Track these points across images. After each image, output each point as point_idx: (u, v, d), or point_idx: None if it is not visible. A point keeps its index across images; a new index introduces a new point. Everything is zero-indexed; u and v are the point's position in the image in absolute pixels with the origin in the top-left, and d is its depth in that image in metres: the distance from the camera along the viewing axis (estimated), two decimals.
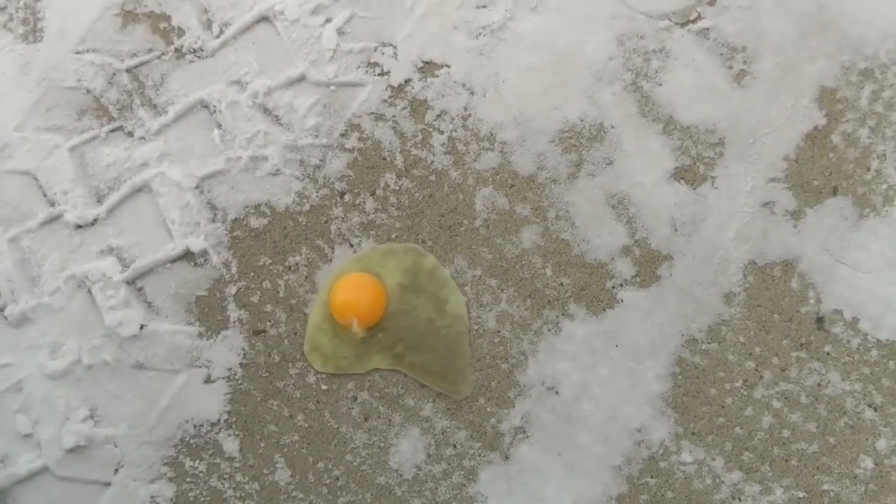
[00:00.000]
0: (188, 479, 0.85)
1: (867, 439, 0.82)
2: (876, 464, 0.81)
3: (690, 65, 0.91)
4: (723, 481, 0.82)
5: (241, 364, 0.87)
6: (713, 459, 0.82)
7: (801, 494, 0.81)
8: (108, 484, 0.86)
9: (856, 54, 0.91)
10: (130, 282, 0.90)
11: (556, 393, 0.84)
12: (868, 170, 0.89)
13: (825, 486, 0.81)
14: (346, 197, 0.90)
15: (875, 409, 0.83)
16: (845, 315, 0.85)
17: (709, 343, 0.85)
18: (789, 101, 0.90)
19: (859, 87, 0.91)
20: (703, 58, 0.91)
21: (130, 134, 0.94)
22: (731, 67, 0.91)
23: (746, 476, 0.82)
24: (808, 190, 0.88)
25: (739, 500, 0.81)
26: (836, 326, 0.85)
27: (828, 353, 0.84)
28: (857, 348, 0.84)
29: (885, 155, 0.89)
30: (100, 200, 0.93)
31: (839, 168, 0.89)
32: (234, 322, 0.88)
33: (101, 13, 0.96)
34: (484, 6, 0.93)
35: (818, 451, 0.82)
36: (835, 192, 0.88)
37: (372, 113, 0.92)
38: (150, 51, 0.95)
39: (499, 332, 0.86)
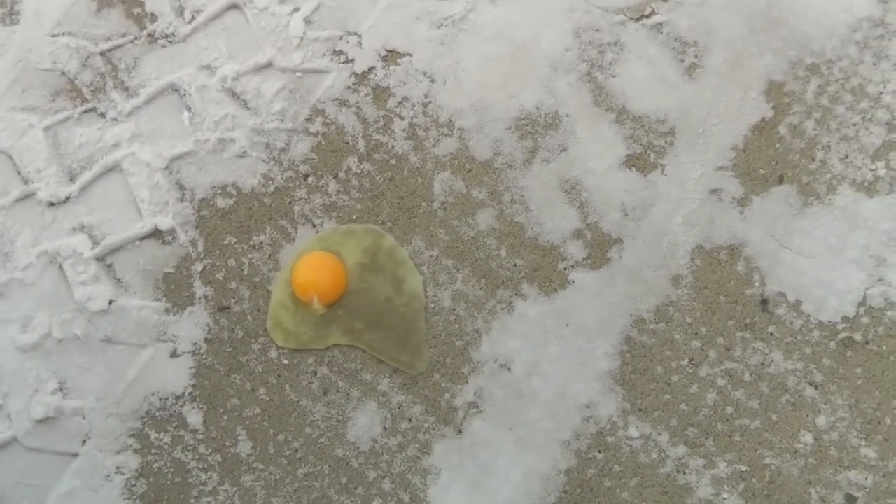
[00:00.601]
0: (153, 451, 0.88)
1: (808, 416, 0.85)
2: (815, 439, 0.85)
3: (644, 57, 0.95)
4: (668, 455, 0.85)
5: (205, 339, 0.90)
6: (659, 434, 0.85)
7: (743, 468, 0.84)
8: (75, 455, 0.88)
9: (803, 50, 0.95)
10: (100, 258, 0.93)
11: (509, 370, 0.87)
12: (813, 160, 0.92)
13: (767, 460, 0.84)
14: (310, 179, 0.93)
15: (815, 388, 0.86)
16: (788, 297, 0.89)
17: (656, 323, 0.88)
18: (738, 93, 0.94)
19: (806, 82, 0.94)
20: (655, 51, 0.95)
21: (103, 115, 0.97)
22: (682, 61, 0.95)
23: (691, 450, 0.85)
24: (754, 178, 0.92)
25: (684, 473, 0.85)
26: (779, 308, 0.88)
27: (771, 334, 0.88)
28: (800, 329, 0.88)
29: (829, 146, 0.92)
30: (72, 179, 0.95)
31: (785, 158, 0.92)
32: (199, 298, 0.91)
33: None
34: None
35: (760, 426, 0.85)
36: (780, 180, 0.92)
37: (336, 99, 0.95)
38: (124, 35, 0.98)
39: (454, 310, 0.89)
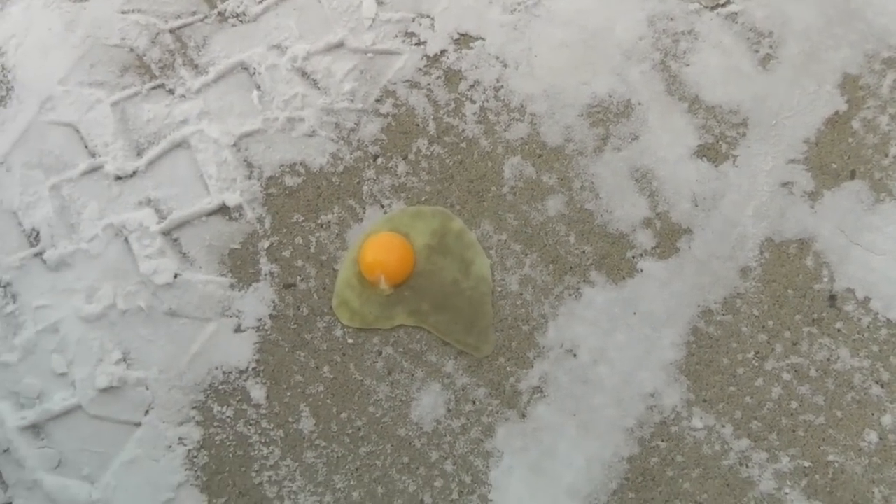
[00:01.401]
0: (216, 424, 0.89)
1: (873, 414, 0.85)
2: (881, 438, 0.84)
3: (718, 47, 0.94)
4: (731, 448, 0.85)
5: (270, 315, 0.90)
6: (723, 426, 0.85)
7: (806, 464, 0.84)
8: (138, 424, 0.89)
9: (880, 43, 0.94)
10: (166, 232, 0.93)
11: (574, 356, 0.87)
12: (886, 156, 0.91)
13: (830, 457, 0.84)
14: (379, 160, 0.93)
15: (882, 386, 0.85)
16: (857, 294, 0.88)
17: (723, 315, 0.88)
18: (812, 86, 0.93)
19: (882, 76, 0.93)
20: (730, 41, 0.94)
21: (171, 92, 0.97)
22: (757, 51, 0.94)
23: (754, 444, 0.85)
24: (826, 172, 0.91)
25: (747, 466, 0.84)
26: (847, 304, 0.87)
27: (838, 330, 0.87)
28: (868, 327, 0.87)
29: None
30: (139, 154, 0.96)
31: (858, 153, 0.91)
32: (265, 275, 0.91)
33: None
34: None
35: (825, 423, 0.85)
36: (852, 175, 0.91)
37: (407, 80, 0.95)
38: (194, 13, 0.99)
39: (521, 295, 0.89)
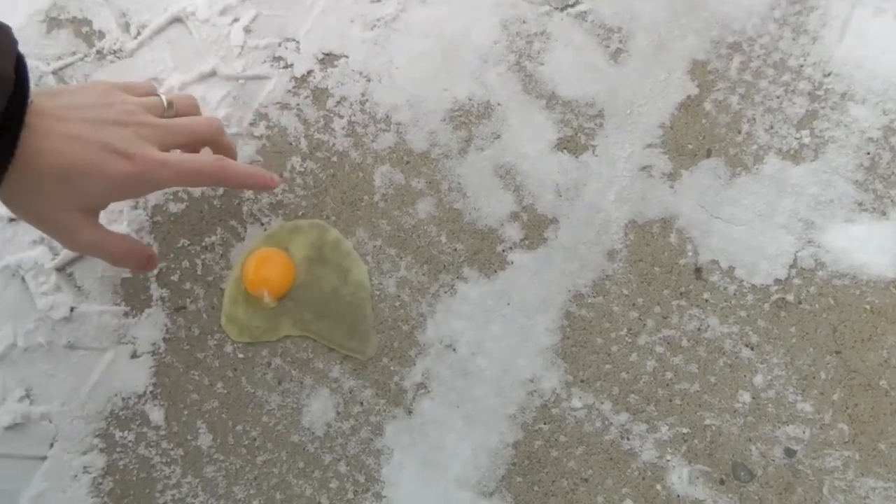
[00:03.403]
0: (118, 449, 0.91)
1: (745, 376, 0.88)
2: (753, 398, 0.88)
3: (570, 45, 0.99)
4: (611, 423, 0.88)
5: (164, 339, 0.93)
6: (602, 403, 0.88)
7: (685, 430, 0.87)
8: (44, 458, 0.91)
9: (724, 30, 0.99)
10: (61, 268, 0.96)
11: (454, 350, 0.90)
12: (739, 133, 0.96)
13: (707, 421, 0.87)
14: None
15: (752, 349, 0.89)
16: (721, 264, 0.92)
17: (594, 297, 0.91)
18: (663, 74, 0.98)
19: (728, 59, 0.98)
20: (581, 38, 0.99)
21: None
22: (608, 46, 0.99)
23: (633, 417, 0.88)
24: (683, 153, 0.95)
25: (628, 438, 0.87)
26: (713, 275, 0.92)
27: (706, 300, 0.91)
28: (734, 294, 0.91)
29: (754, 119, 0.96)
30: None
31: (712, 132, 0.96)
32: (156, 300, 0.94)
33: (27, 20, 1.03)
34: (377, 0, 1.00)
35: (700, 389, 0.88)
36: (708, 154, 0.96)
37: (278, 102, 0.99)
38: (74, 53, 1.02)
39: (399, 296, 0.92)
